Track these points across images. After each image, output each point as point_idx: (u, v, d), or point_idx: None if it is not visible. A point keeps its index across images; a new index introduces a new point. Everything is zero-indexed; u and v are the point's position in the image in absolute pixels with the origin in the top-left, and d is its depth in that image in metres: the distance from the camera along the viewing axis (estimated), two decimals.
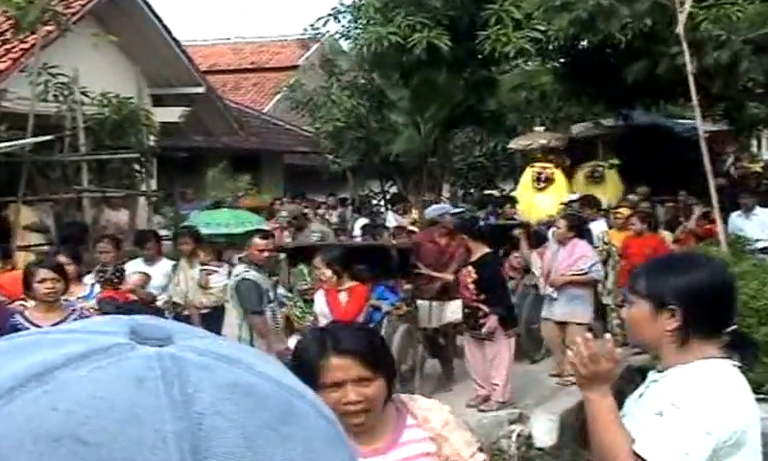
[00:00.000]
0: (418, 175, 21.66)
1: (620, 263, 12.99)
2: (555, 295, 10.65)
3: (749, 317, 9.14)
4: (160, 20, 18.62)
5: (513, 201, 16.52)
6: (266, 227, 15.97)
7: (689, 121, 20.58)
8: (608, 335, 3.14)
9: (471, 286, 9.89)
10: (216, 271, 10.59)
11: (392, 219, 17.03)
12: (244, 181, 17.65)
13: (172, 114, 18.31)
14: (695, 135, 19.39)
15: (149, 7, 18.38)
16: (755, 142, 26.65)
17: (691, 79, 11.91)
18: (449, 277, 10.63)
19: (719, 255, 10.17)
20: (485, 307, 9.86)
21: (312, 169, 26.01)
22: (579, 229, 10.90)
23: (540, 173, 17.38)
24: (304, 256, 10.40)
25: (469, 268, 9.99)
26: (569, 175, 18.23)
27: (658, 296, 2.87)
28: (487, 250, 10.13)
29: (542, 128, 19.64)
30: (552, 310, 10.74)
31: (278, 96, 28.70)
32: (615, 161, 18.11)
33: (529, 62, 21.61)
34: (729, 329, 2.90)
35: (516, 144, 19.39)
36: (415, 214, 17.19)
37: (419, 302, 10.69)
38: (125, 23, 17.76)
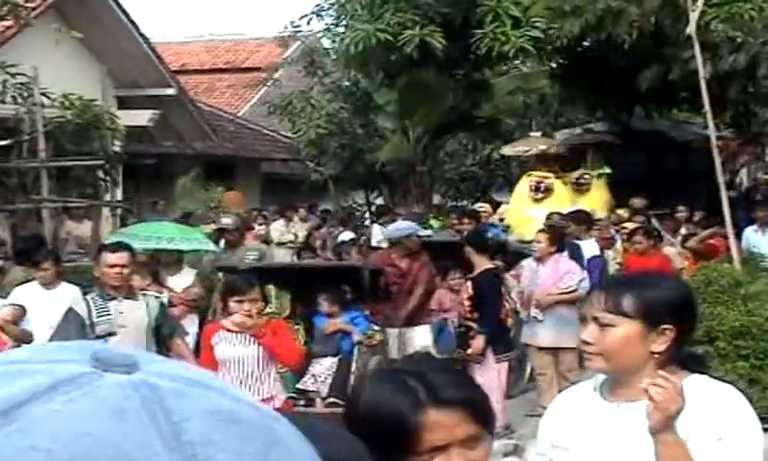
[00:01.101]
0: (405, 185, 21.66)
1: None
2: (540, 317, 10.45)
3: (764, 341, 9.11)
4: (128, 16, 18.56)
5: (475, 215, 15.52)
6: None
7: (691, 126, 20.68)
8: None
9: (467, 303, 9.86)
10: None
11: (378, 233, 16.95)
12: (218, 192, 17.64)
13: (140, 118, 18.22)
14: (697, 142, 19.58)
15: (115, 1, 18.34)
16: None
17: (704, 84, 11.92)
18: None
19: (733, 274, 10.17)
20: (475, 326, 9.84)
21: (291, 178, 25.97)
22: (561, 242, 10.86)
23: (538, 182, 17.08)
24: (271, 277, 9.85)
25: (468, 283, 9.94)
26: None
27: (651, 314, 2.87)
28: (489, 265, 10.10)
29: (539, 133, 19.39)
30: (536, 335, 10.54)
31: (255, 99, 28.66)
32: (605, 170, 17.76)
33: (527, 64, 21.65)
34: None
35: (511, 150, 19.12)
36: None
37: (387, 330, 10.35)
38: (89, 19, 17.67)
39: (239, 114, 29.25)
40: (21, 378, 0.68)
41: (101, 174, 15.48)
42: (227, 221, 12.93)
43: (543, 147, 18.05)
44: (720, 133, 18.65)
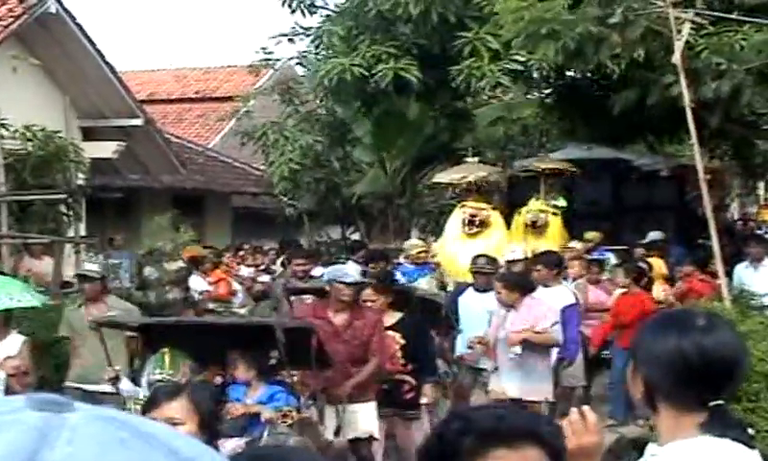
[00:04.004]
0: (383, 219, 21.66)
1: (602, 318, 13.06)
2: (518, 350, 10.03)
3: (756, 382, 9.11)
4: (93, 43, 18.55)
5: (383, 255, 14.67)
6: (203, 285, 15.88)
7: (658, 155, 20.71)
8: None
9: (399, 354, 9.33)
10: None
11: (353, 270, 16.85)
12: (184, 226, 17.54)
13: (105, 149, 18.22)
14: (667, 171, 19.62)
15: (80, 28, 18.31)
16: (762, 184, 26.93)
17: (689, 112, 12.00)
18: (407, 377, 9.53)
19: (723, 313, 10.18)
20: (411, 380, 9.38)
21: (264, 213, 25.92)
22: (523, 287, 10.32)
23: (472, 215, 15.66)
24: (169, 337, 8.46)
25: (392, 332, 9.34)
26: (506, 220, 16.76)
27: (632, 356, 2.95)
28: (406, 308, 9.69)
29: (476, 159, 18.01)
30: (501, 386, 10.23)
31: (226, 129, 28.64)
32: (560, 203, 16.92)
33: (510, 93, 21.76)
34: (712, 404, 2.85)
35: (445, 177, 17.83)
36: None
37: (326, 408, 9.08)
38: (52, 46, 17.68)
39: (209, 146, 29.25)
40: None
41: (63, 208, 15.43)
42: (91, 268, 10.84)
43: (482, 174, 16.92)
44: (683, 164, 18.80)
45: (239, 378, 8.20)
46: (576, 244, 15.04)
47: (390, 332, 9.31)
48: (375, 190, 21.11)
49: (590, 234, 16.17)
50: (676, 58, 11.94)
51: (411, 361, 9.33)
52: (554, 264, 11.83)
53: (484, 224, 15.54)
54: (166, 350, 8.15)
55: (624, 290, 12.71)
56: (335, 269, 10.16)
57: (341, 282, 9.22)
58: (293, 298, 11.35)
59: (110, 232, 20.24)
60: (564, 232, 16.33)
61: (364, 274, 10.56)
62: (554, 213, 16.36)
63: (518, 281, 10.49)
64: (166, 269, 15.68)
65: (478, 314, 11.14)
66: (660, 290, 13.65)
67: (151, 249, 17.18)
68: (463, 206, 16.05)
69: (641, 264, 13.74)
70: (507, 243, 14.72)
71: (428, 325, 10.28)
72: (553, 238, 15.71)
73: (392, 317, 9.44)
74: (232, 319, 11.82)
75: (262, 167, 24.97)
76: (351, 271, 10.01)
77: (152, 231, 18.11)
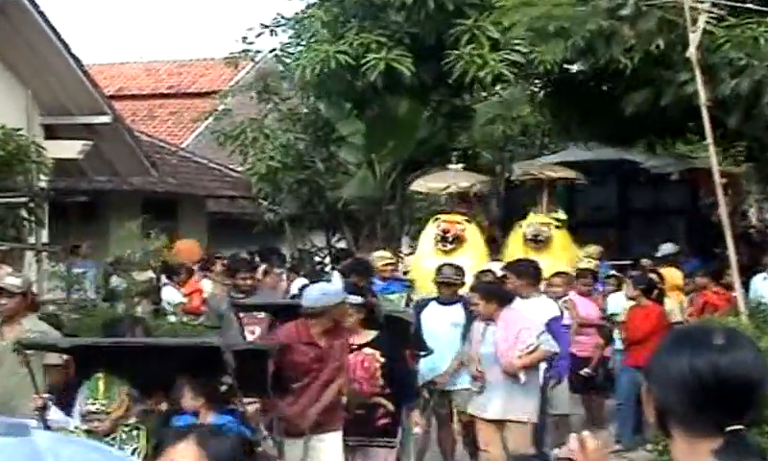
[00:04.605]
0: (371, 226, 21.65)
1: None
2: (494, 377, 10.00)
3: None
4: (57, 33, 18.52)
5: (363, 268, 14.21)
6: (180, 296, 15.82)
7: (669, 156, 20.69)
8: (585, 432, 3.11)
9: (378, 374, 9.18)
10: None
11: (338, 281, 16.82)
12: (155, 233, 17.50)
13: (69, 149, 18.15)
14: (677, 174, 19.60)
15: (43, 17, 18.28)
16: None
17: (705, 111, 12.04)
18: (388, 405, 9.27)
19: (740, 328, 10.21)
20: (388, 404, 9.21)
21: (242, 218, 25.88)
22: (500, 297, 10.24)
23: (445, 231, 15.52)
24: (105, 360, 7.94)
25: (371, 350, 9.20)
26: (505, 233, 16.82)
27: (645, 376, 2.94)
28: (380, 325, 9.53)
29: (460, 166, 17.84)
30: (482, 404, 10.17)
31: (202, 128, 28.64)
32: (561, 216, 16.66)
33: (507, 90, 21.76)
34: (729, 429, 2.82)
35: (423, 186, 17.73)
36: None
37: (286, 441, 8.89)
38: (11, 35, 17.63)
39: (183, 145, 29.22)
40: None
41: (24, 213, 15.40)
42: (12, 282, 9.80)
43: (464, 184, 16.75)
44: (726, 167, 18.77)
45: (185, 407, 7.72)
46: (586, 263, 14.55)
47: (368, 350, 9.20)
48: (363, 194, 21.10)
49: (590, 249, 15.89)
50: (691, 51, 11.98)
51: (389, 383, 9.17)
52: (527, 274, 11.48)
53: (459, 240, 15.48)
54: (100, 375, 7.68)
55: (634, 303, 12.70)
56: (324, 288, 9.83)
57: (351, 305, 9.21)
58: (243, 315, 10.81)
59: (75, 239, 20.19)
60: (573, 247, 16.11)
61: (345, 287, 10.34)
62: (557, 226, 16.18)
63: (495, 291, 10.47)
64: (135, 279, 15.67)
65: (443, 329, 11.10)
66: (674, 303, 13.62)
67: (119, 257, 17.18)
68: (436, 219, 16.00)
69: (652, 275, 13.69)
70: (485, 260, 14.66)
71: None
72: (558, 254, 15.50)
73: (366, 334, 9.31)
74: (178, 339, 11.08)
75: (240, 169, 24.95)
76: (339, 286, 10.10)
77: (120, 238, 18.08)
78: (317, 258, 23.27)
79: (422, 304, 11.76)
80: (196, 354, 8.20)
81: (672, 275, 14.74)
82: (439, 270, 11.90)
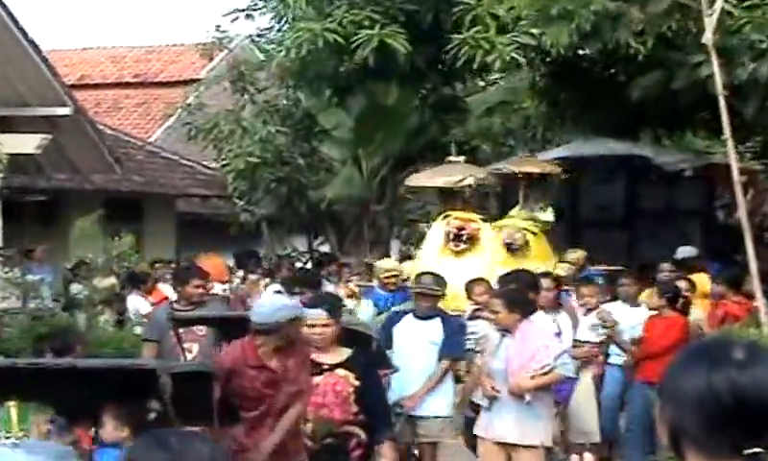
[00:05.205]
0: (357, 228, 21.59)
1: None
2: (504, 395, 9.80)
3: None
4: (13, 17, 18.44)
5: (311, 279, 14.06)
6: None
7: (684, 151, 20.64)
8: None
9: (351, 399, 8.63)
10: None
11: (282, 298, 16.47)
12: (120, 236, 17.39)
13: (26, 144, 18.09)
14: (686, 171, 19.50)
15: None
16: None
17: (722, 101, 11.99)
18: (359, 432, 8.64)
19: (761, 340, 10.17)
20: (362, 433, 8.67)
21: (215, 219, 25.82)
22: (525, 307, 10.00)
23: (460, 228, 15.17)
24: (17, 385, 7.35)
25: (344, 371, 8.66)
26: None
27: (659, 394, 2.89)
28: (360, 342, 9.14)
29: (461, 158, 17.46)
30: (492, 426, 9.98)
31: (171, 120, 28.56)
32: (547, 217, 16.12)
33: (507, 78, 21.70)
34: (747, 453, 2.77)
35: (429, 180, 17.31)
36: (353, 284, 16.81)
37: None
38: None
39: (151, 140, 29.17)
40: None
41: None
42: None
43: (482, 175, 16.53)
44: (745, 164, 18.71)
45: (106, 439, 7.31)
46: (561, 270, 14.13)
47: (341, 371, 8.66)
48: (349, 193, 21.06)
49: (574, 255, 15.42)
50: (707, 37, 11.94)
51: (363, 410, 8.62)
52: (526, 286, 11.12)
53: (473, 240, 15.12)
54: (12, 403, 6.99)
55: (654, 312, 12.57)
56: (276, 301, 9.17)
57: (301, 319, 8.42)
58: (182, 330, 10.15)
59: (30, 242, 20.12)
60: (552, 255, 15.61)
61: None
62: (534, 232, 15.68)
63: (519, 301, 10.15)
64: (97, 286, 15.58)
65: (418, 347, 10.80)
66: (699, 313, 13.51)
67: (79, 262, 17.09)
68: (446, 216, 15.61)
69: (681, 282, 13.52)
70: (499, 266, 14.06)
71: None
72: (535, 264, 14.68)
73: (339, 353, 8.75)
74: (104, 360, 10.28)
75: (213, 165, 24.88)
76: (293, 299, 9.49)
77: (81, 241, 18.04)
78: (298, 264, 23.22)
79: (396, 319, 11.40)
80: (127, 378, 7.73)
81: (702, 281, 14.58)
82: (418, 278, 11.65)
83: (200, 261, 17.54)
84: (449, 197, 16.25)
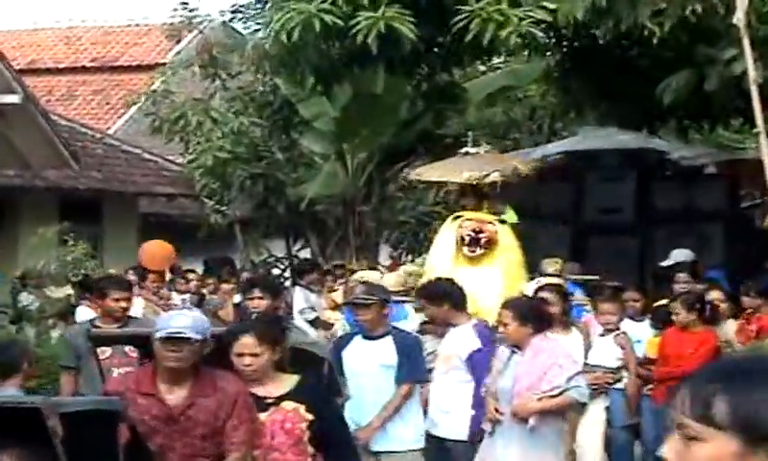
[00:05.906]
0: (342, 231, 21.51)
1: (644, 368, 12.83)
2: (505, 420, 9.70)
3: None
4: None
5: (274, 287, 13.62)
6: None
7: (700, 144, 20.54)
8: None
9: (306, 437, 7.88)
10: None
11: (301, 299, 16.59)
12: (75, 240, 17.22)
13: None
14: (706, 167, 19.38)
15: None
16: None
17: (755, 90, 11.95)
18: None
19: None
20: None
21: (181, 221, 25.74)
22: (539, 321, 9.86)
23: (476, 231, 14.52)
24: None
25: (292, 404, 7.92)
26: None
27: (754, 427, 2.71)
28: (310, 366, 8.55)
29: (482, 149, 16.49)
30: (491, 451, 9.92)
31: (133, 110, 28.49)
32: (509, 218, 15.79)
33: (509, 62, 21.68)
34: None
35: (433, 173, 16.92)
36: (337, 294, 16.70)
37: None
38: None
39: (110, 132, 29.09)
40: None
41: None
42: None
43: (511, 166, 15.85)
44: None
45: None
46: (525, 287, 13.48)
47: (288, 404, 7.88)
48: (332, 192, 21.00)
49: (552, 265, 15.05)
50: (738, 17, 11.85)
51: (318, 448, 7.93)
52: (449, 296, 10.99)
53: (491, 244, 14.42)
54: None
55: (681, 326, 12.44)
56: (179, 317, 7.84)
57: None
58: (109, 352, 9.67)
59: None
60: (522, 270, 14.82)
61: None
62: (511, 229, 15.09)
63: (532, 313, 9.96)
64: (50, 297, 15.46)
65: (369, 371, 10.40)
66: (730, 328, 13.41)
67: (29, 270, 16.96)
68: (458, 217, 14.92)
69: (712, 293, 13.47)
70: (520, 274, 13.95)
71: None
72: (504, 274, 14.34)
73: (282, 381, 8.00)
74: None
75: (180, 161, 24.81)
76: (203, 317, 8.39)
77: (32, 247, 17.91)
78: (275, 271, 23.14)
79: (346, 340, 11.07)
80: (19, 417, 6.83)
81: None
82: (351, 289, 11.51)
83: (141, 251, 17.34)
84: (463, 195, 15.75)
